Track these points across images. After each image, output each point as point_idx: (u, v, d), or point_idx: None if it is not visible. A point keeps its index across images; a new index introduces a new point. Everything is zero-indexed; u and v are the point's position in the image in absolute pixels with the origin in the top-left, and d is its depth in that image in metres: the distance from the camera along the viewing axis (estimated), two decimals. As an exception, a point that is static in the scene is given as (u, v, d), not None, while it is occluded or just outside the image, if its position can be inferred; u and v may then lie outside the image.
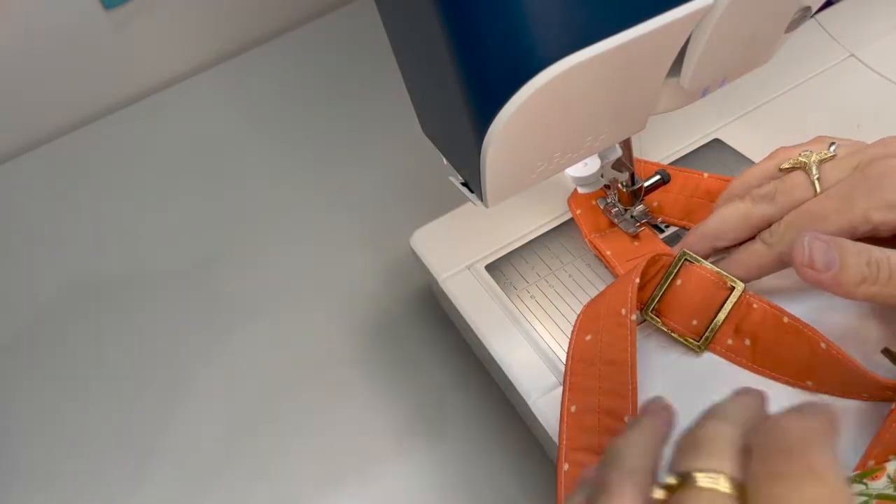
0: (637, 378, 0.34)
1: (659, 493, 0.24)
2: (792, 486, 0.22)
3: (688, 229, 0.44)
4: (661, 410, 0.29)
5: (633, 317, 0.36)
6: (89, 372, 0.54)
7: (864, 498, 0.30)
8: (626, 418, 0.34)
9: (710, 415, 0.26)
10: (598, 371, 0.35)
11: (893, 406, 0.33)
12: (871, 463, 0.32)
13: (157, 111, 0.72)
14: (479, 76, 0.29)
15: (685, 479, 0.24)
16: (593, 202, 0.46)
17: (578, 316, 0.39)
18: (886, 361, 0.35)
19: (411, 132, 0.42)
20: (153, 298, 0.57)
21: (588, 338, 0.37)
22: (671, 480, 0.24)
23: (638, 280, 0.37)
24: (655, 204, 0.46)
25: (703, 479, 0.23)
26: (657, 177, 0.43)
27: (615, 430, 0.34)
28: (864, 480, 0.31)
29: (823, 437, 0.23)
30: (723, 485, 0.23)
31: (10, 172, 0.69)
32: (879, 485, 0.30)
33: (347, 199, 0.61)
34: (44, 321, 0.57)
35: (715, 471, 0.24)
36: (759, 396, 0.28)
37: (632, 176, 0.42)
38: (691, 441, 0.25)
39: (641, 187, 0.43)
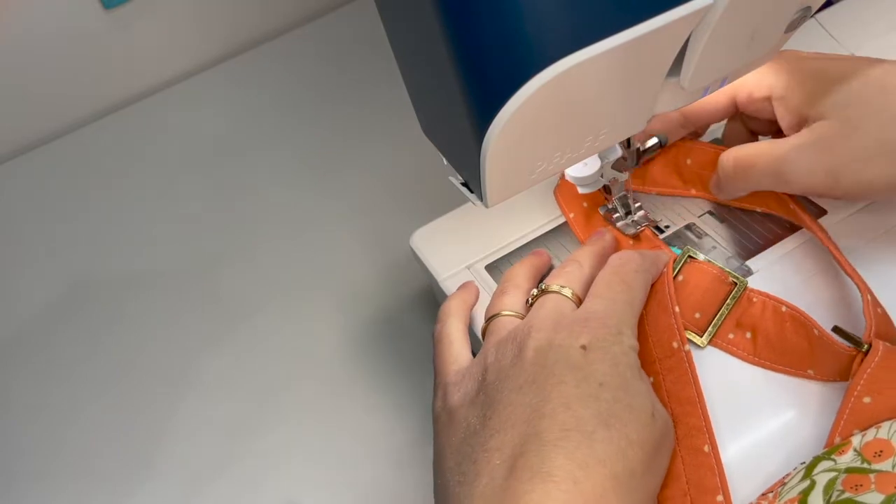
0: (707, 408, 0.35)
1: (530, 297, 0.38)
2: (602, 280, 0.37)
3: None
4: (541, 254, 0.43)
5: (686, 348, 0.36)
6: (88, 372, 0.54)
7: (834, 473, 0.30)
8: (705, 448, 0.34)
9: (571, 257, 0.40)
10: (671, 412, 0.36)
11: (849, 383, 0.34)
12: (838, 439, 0.33)
13: (157, 111, 0.72)
14: (479, 76, 0.29)
15: (546, 289, 0.38)
16: (584, 204, 0.46)
17: None
18: None
19: (411, 132, 0.42)
20: (153, 298, 0.57)
21: (650, 381, 0.37)
22: (543, 288, 0.38)
23: (678, 308, 0.37)
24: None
25: (554, 288, 0.37)
26: (655, 139, 0.43)
27: (699, 463, 0.34)
28: (832, 456, 0.32)
29: (637, 262, 0.38)
30: (566, 292, 0.37)
31: (10, 172, 0.69)
32: (846, 459, 0.31)
33: (347, 200, 0.61)
34: (44, 321, 0.57)
35: (563, 286, 0.37)
36: (609, 241, 0.42)
37: (628, 140, 0.41)
38: (556, 272, 0.39)
39: (637, 149, 0.42)
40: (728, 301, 0.38)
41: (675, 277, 0.39)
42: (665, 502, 0.34)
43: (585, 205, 0.46)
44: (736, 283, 0.38)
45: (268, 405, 0.50)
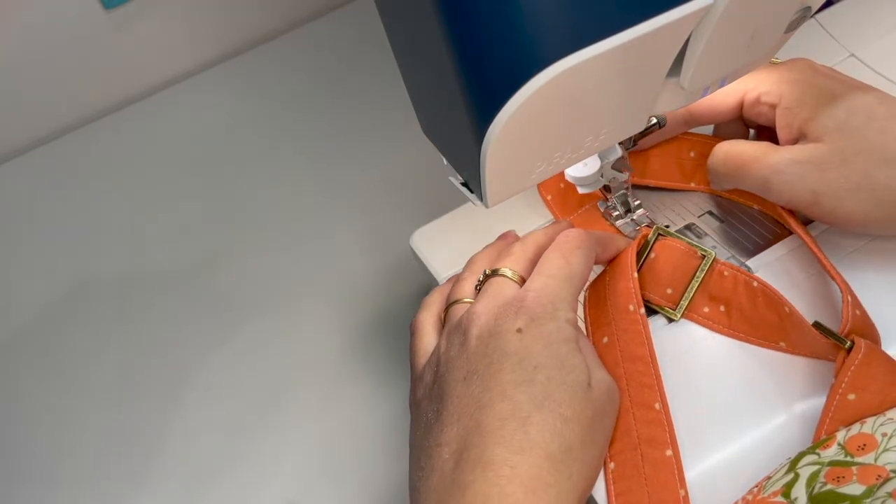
0: (659, 368, 0.36)
1: (480, 278, 0.39)
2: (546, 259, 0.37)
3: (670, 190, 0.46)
4: (508, 236, 0.43)
5: (641, 311, 0.38)
6: (88, 372, 0.54)
7: (818, 466, 0.31)
8: (656, 405, 0.36)
9: (520, 239, 0.40)
10: (624, 370, 0.37)
11: (833, 384, 0.34)
12: (824, 436, 0.34)
13: (158, 111, 0.72)
14: (479, 76, 0.29)
15: (494, 272, 0.38)
16: (560, 185, 0.47)
17: (585, 320, 0.40)
18: None
19: (411, 132, 0.42)
20: (153, 298, 0.57)
21: (605, 340, 0.38)
22: (488, 273, 0.38)
23: (636, 274, 0.39)
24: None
25: (500, 271, 0.38)
26: (653, 119, 0.43)
27: (650, 419, 0.35)
28: (817, 451, 0.32)
29: (581, 239, 0.38)
30: (509, 273, 0.38)
31: (10, 172, 0.69)
32: (830, 452, 0.32)
33: (347, 199, 0.61)
34: (43, 321, 0.57)
35: (510, 268, 0.38)
36: (563, 226, 0.41)
37: None
38: (501, 254, 0.39)
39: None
40: (697, 274, 0.39)
41: (647, 254, 0.40)
42: (616, 455, 0.35)
43: (562, 185, 0.47)
44: (705, 256, 0.39)
45: (268, 405, 0.50)
